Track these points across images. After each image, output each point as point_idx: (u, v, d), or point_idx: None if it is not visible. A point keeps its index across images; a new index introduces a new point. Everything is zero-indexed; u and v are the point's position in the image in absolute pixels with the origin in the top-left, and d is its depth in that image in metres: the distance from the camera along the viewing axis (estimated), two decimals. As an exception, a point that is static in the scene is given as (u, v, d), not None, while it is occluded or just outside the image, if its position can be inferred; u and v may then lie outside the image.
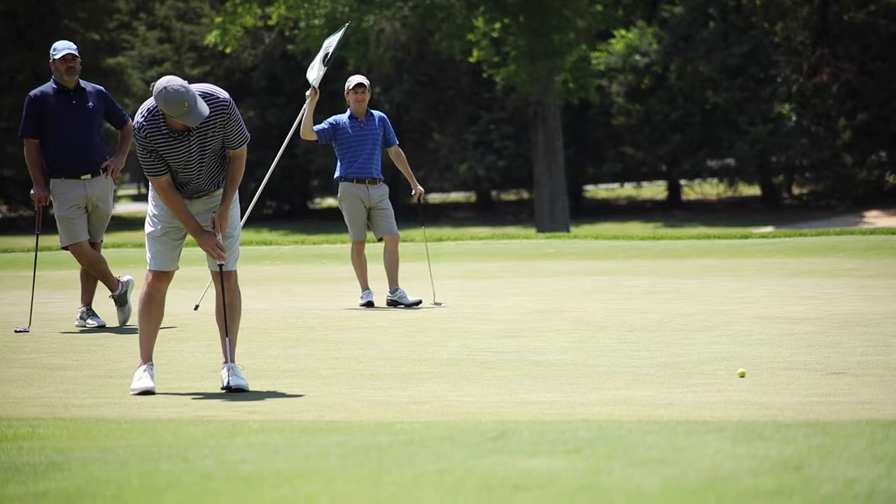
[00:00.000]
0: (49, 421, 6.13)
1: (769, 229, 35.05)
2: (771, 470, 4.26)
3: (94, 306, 11.14)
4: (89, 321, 10.92)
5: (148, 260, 7.74)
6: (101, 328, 10.82)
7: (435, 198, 52.41)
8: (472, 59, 38.74)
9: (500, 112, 48.63)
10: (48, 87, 10.90)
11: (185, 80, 7.38)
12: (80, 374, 8.21)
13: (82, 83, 10.97)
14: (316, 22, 37.35)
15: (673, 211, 47.22)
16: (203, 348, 9.49)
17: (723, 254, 17.85)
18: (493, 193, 52.23)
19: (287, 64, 47.93)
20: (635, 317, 10.73)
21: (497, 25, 37.48)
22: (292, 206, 52.02)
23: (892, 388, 7.11)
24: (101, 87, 11.13)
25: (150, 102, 7.46)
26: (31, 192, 10.86)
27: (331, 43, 12.64)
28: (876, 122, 43.22)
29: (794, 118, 43.63)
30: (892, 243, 18.28)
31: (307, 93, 12.54)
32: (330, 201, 51.20)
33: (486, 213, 49.98)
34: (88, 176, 10.88)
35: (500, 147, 48.46)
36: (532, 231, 37.68)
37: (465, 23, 37.80)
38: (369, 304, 12.30)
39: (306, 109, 12.46)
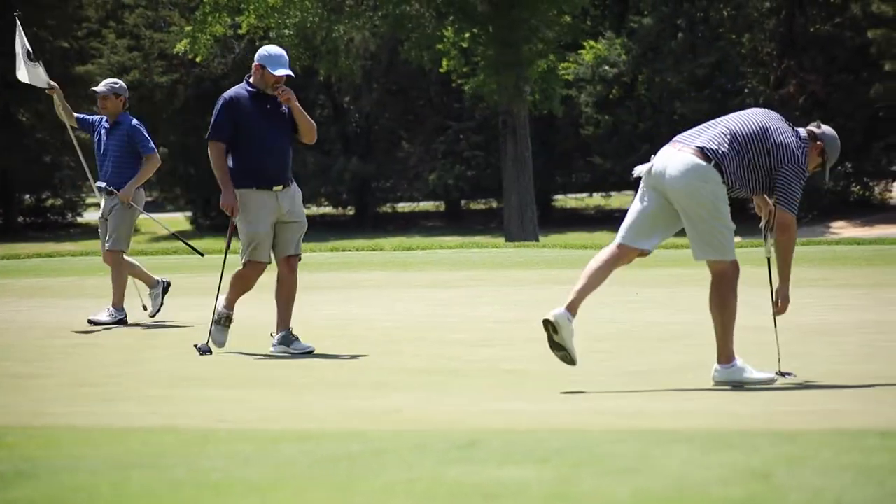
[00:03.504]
0: (18, 430, 6.09)
1: (736, 240, 35.22)
2: (739, 479, 4.29)
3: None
4: (293, 346, 9.70)
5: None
6: (310, 353, 9.63)
7: (404, 206, 52.40)
8: (441, 69, 38.78)
9: (469, 122, 48.68)
10: (242, 88, 9.77)
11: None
12: (51, 382, 8.18)
13: None
14: (286, 31, 37.29)
15: (641, 221, 47.37)
16: (172, 356, 9.47)
17: (691, 264, 17.85)
18: (463, 203, 52.25)
19: (256, 72, 47.87)
20: (604, 326, 10.75)
21: (466, 35, 37.52)
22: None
23: (859, 397, 7.16)
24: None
25: None
26: (221, 200, 9.73)
27: (23, 40, 12.40)
28: (841, 133, 43.37)
29: (761, 129, 43.89)
30: (858, 253, 18.39)
31: (46, 91, 12.29)
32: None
33: (456, 222, 49.99)
34: (280, 187, 9.79)
35: (469, 156, 48.51)
36: (501, 240, 37.69)
37: (434, 33, 37.84)
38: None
39: (57, 103, 12.21)
